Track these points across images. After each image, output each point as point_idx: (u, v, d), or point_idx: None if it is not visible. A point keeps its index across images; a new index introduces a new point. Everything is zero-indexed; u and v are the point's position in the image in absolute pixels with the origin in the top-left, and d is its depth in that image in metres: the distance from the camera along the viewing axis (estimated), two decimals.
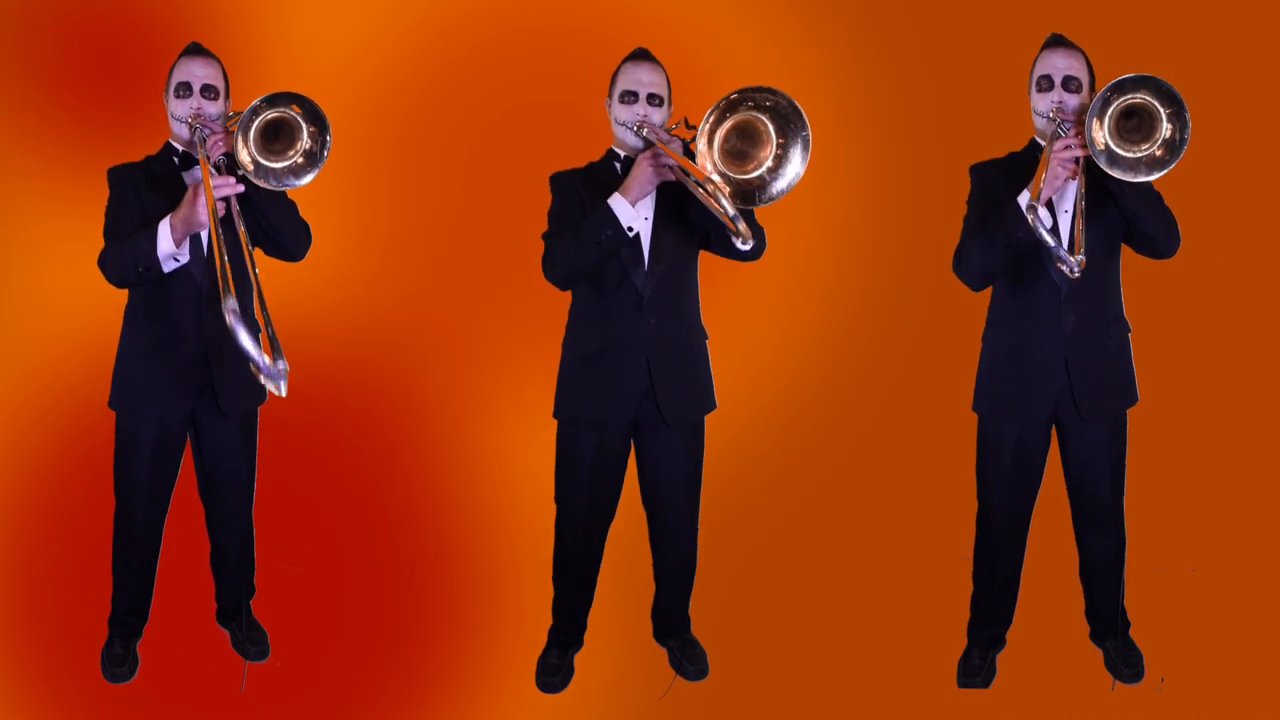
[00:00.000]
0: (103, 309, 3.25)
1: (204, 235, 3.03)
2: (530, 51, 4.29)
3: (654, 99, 3.03)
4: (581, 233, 2.95)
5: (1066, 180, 2.86)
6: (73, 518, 3.91)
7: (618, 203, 2.92)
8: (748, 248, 2.80)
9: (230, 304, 2.43)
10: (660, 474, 3.17)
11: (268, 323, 2.52)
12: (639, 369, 3.06)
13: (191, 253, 3.01)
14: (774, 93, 2.81)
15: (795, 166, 2.83)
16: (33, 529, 3.97)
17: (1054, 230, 2.91)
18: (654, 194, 3.01)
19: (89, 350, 3.86)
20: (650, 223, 3.03)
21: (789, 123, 2.82)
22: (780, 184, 2.84)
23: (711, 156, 2.81)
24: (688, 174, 2.83)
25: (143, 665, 3.23)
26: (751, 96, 2.81)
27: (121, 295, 3.13)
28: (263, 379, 2.38)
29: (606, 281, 3.03)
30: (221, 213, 2.82)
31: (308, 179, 2.90)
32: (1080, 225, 2.80)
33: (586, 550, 3.20)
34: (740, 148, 2.85)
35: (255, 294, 2.65)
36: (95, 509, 3.38)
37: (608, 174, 3.07)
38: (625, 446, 3.17)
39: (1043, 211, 2.84)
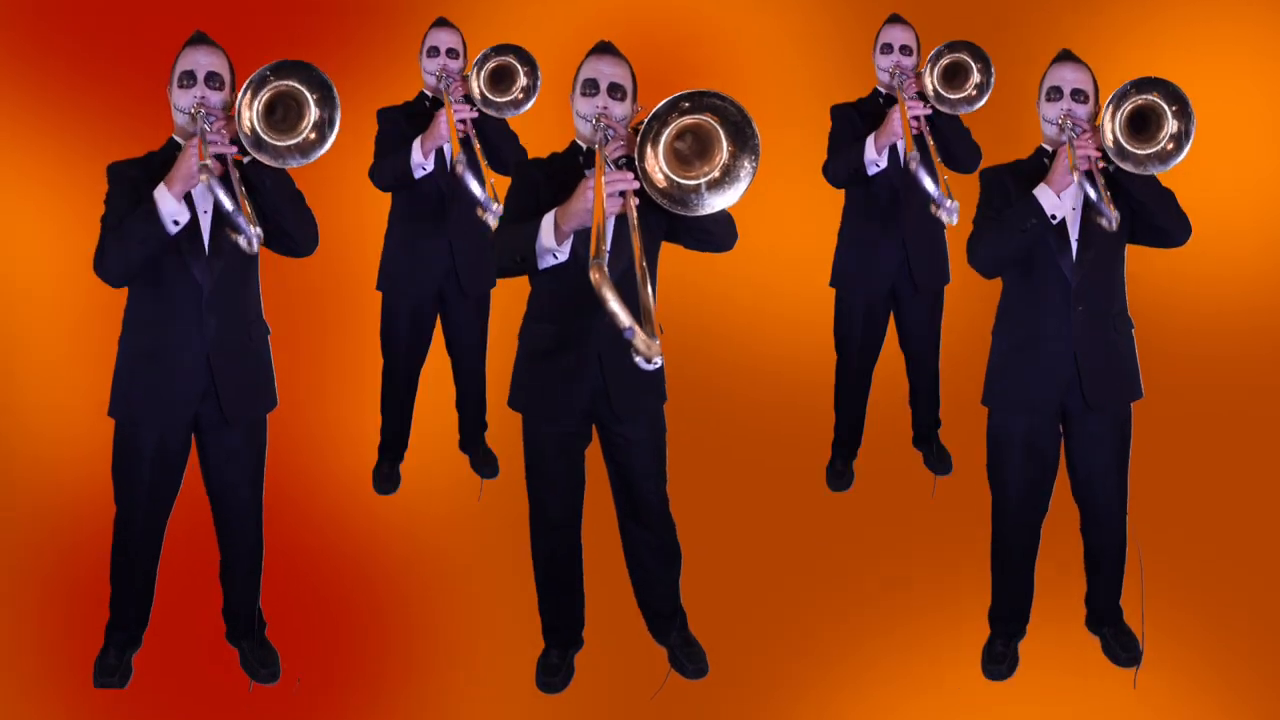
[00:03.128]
0: (103, 313, 3.21)
1: (204, 231, 3.00)
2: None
3: (615, 90, 2.97)
4: (510, 238, 2.90)
5: (1084, 171, 3.01)
6: (75, 523, 3.86)
7: (546, 226, 2.82)
8: (651, 367, 2.49)
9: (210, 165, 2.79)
10: (627, 467, 3.14)
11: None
12: (591, 364, 3.03)
13: (193, 250, 2.98)
14: (732, 103, 2.69)
15: (739, 186, 2.73)
16: (35, 531, 3.93)
17: (1086, 199, 3.04)
18: None
19: (89, 355, 3.82)
20: (611, 221, 2.97)
21: (742, 135, 2.71)
22: (718, 198, 2.74)
23: (657, 153, 2.71)
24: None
25: (149, 682, 3.17)
26: (709, 102, 2.69)
27: (120, 298, 3.08)
28: (240, 222, 2.78)
29: (563, 279, 2.95)
30: (218, 171, 2.83)
31: (316, 155, 2.89)
32: (1103, 184, 2.99)
33: (563, 545, 3.18)
34: (692, 149, 2.76)
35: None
36: (98, 513, 3.32)
37: (570, 165, 3.02)
38: (585, 437, 3.13)
39: (1085, 186, 3.00)
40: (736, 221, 3.00)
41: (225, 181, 2.85)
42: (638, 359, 2.45)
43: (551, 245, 2.83)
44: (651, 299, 2.57)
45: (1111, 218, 2.94)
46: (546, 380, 3.07)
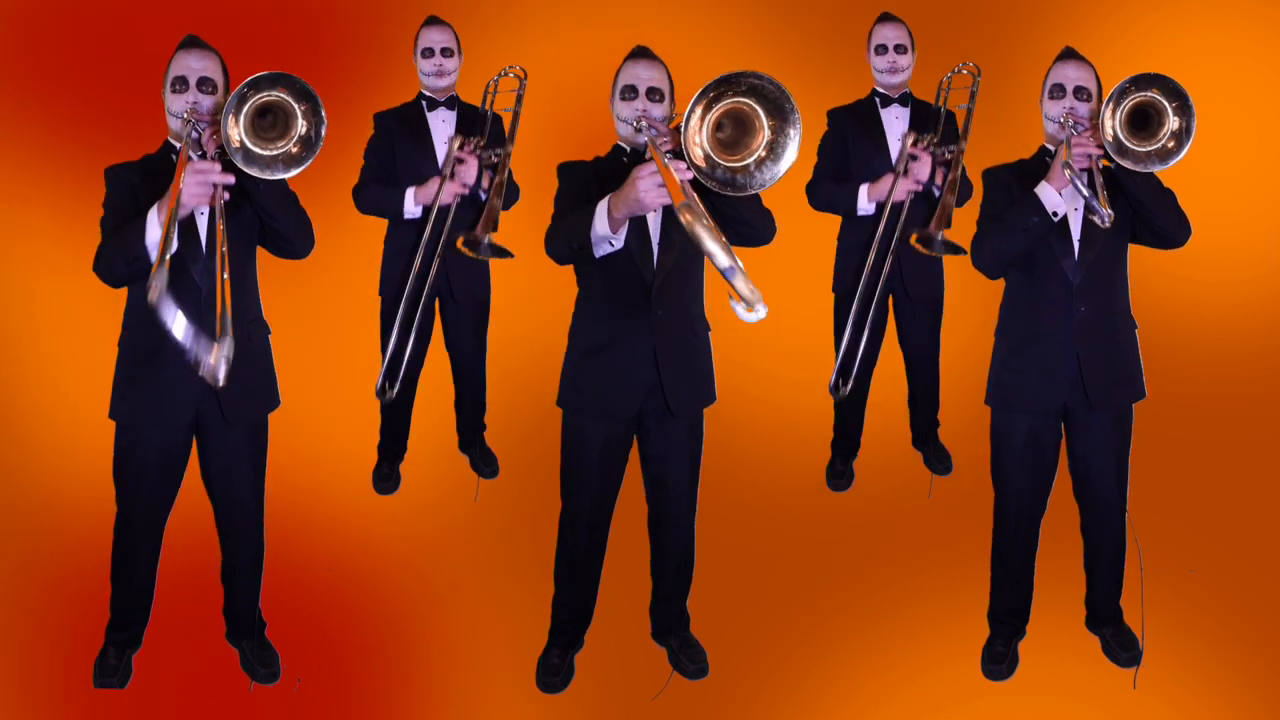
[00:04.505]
0: (103, 314, 3.21)
1: (202, 234, 2.98)
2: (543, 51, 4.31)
3: (654, 94, 3.01)
4: (570, 232, 2.91)
5: (1083, 169, 2.99)
6: (75, 523, 3.86)
7: (600, 214, 2.85)
8: (753, 315, 2.47)
9: (161, 280, 2.59)
10: (665, 467, 3.16)
11: (224, 305, 2.67)
12: (646, 361, 3.04)
13: (190, 251, 2.96)
14: (765, 78, 2.69)
15: (789, 154, 2.72)
16: (36, 532, 3.93)
17: (1090, 185, 2.98)
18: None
19: (89, 357, 3.82)
20: (659, 215, 3.02)
21: (781, 110, 2.72)
22: (771, 171, 2.73)
23: (702, 142, 2.71)
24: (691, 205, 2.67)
25: (149, 682, 3.17)
26: (742, 81, 2.69)
27: (120, 300, 3.08)
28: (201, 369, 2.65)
29: (615, 273, 3.01)
30: (206, 198, 2.78)
31: (299, 169, 2.83)
32: (1101, 184, 2.96)
33: (592, 545, 3.19)
34: (732, 136, 2.76)
35: (219, 288, 2.71)
36: (98, 514, 3.32)
37: (616, 167, 3.06)
38: (629, 440, 3.15)
39: (1077, 185, 2.95)
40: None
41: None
42: (737, 307, 2.36)
43: (606, 232, 2.85)
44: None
45: (1104, 215, 2.88)
46: (599, 377, 3.07)
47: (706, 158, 2.73)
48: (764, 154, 2.74)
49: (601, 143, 3.14)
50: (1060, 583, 3.40)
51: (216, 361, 2.61)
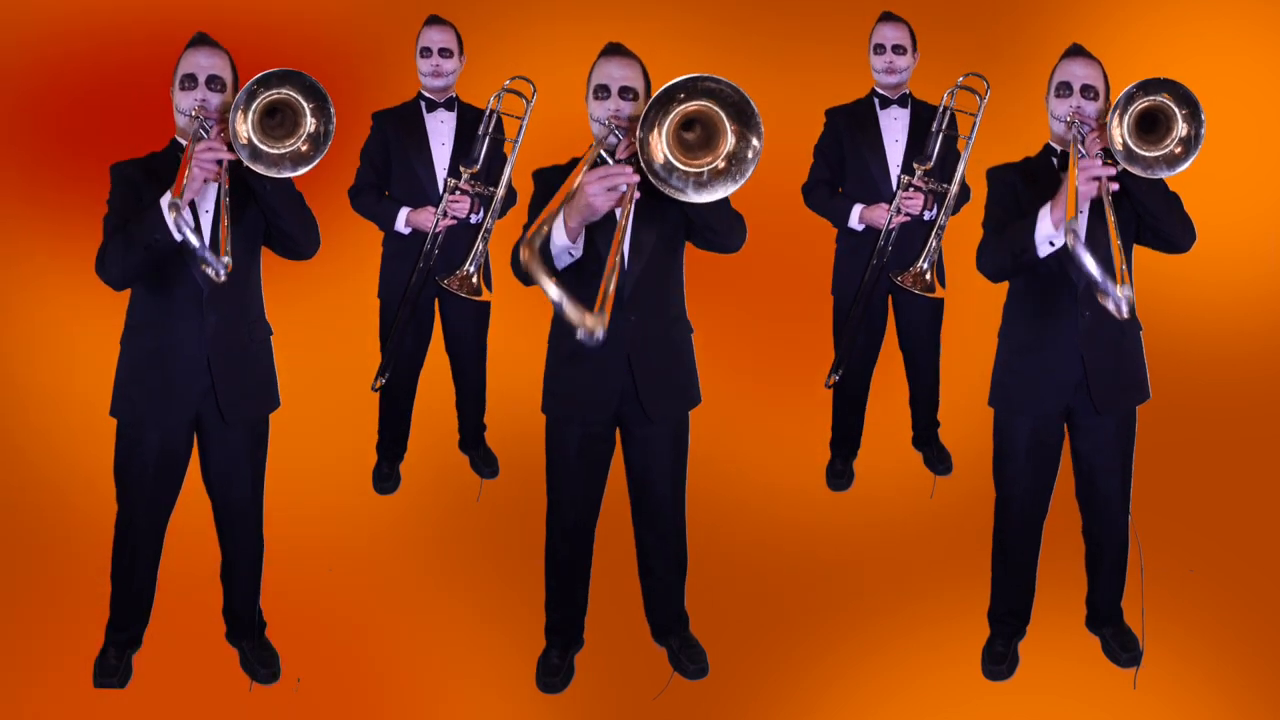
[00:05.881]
0: (105, 313, 3.21)
1: (205, 234, 2.98)
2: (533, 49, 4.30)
3: (626, 92, 2.97)
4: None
5: (1091, 199, 2.89)
6: (75, 523, 3.86)
7: (557, 224, 2.81)
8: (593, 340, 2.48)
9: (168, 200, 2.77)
10: (647, 471, 3.15)
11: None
12: (619, 366, 3.03)
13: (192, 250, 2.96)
14: (731, 86, 2.67)
15: (746, 169, 2.71)
16: (36, 531, 3.92)
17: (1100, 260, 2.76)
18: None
19: (91, 356, 3.83)
20: (630, 219, 2.97)
21: (744, 114, 2.69)
22: (724, 184, 2.73)
23: (661, 142, 2.70)
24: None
25: (149, 682, 3.16)
26: (708, 86, 2.67)
27: (122, 299, 3.08)
28: (206, 268, 2.76)
29: (586, 277, 2.93)
30: (213, 173, 2.83)
31: (307, 168, 2.85)
32: (1120, 258, 2.72)
33: (578, 545, 3.18)
34: (699, 139, 2.74)
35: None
36: (98, 513, 3.32)
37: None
38: (610, 441, 3.14)
39: (1088, 269, 2.73)
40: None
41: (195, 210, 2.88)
42: (579, 334, 2.48)
43: (565, 243, 2.83)
44: (612, 286, 2.60)
45: (1120, 300, 2.60)
46: (575, 381, 3.06)
47: (666, 162, 2.72)
48: (722, 165, 2.73)
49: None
50: (1060, 583, 3.39)
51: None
